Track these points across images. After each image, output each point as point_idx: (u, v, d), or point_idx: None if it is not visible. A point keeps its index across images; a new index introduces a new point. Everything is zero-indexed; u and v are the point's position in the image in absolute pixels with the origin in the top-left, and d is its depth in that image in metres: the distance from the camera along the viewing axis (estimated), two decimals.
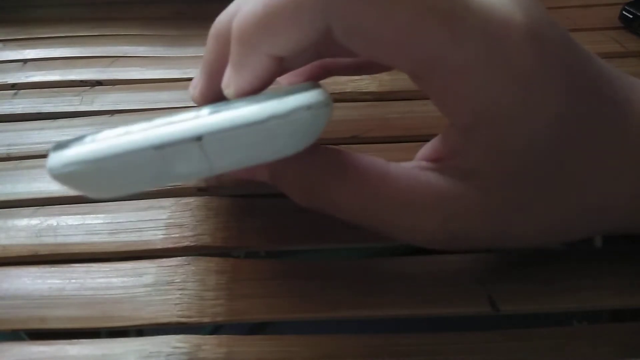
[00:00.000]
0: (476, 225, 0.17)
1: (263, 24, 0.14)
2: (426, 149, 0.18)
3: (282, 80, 0.16)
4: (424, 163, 0.17)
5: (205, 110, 0.12)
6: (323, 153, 0.14)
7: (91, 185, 0.13)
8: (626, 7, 0.35)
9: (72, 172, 0.12)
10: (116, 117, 0.29)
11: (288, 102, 0.13)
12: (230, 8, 0.17)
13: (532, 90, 0.15)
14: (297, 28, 0.14)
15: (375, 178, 0.17)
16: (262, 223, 0.22)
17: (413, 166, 0.17)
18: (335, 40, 0.15)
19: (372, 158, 0.17)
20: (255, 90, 0.16)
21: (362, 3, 0.14)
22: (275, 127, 0.13)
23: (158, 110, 0.29)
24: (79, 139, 0.13)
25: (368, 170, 0.17)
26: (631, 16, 0.34)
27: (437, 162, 0.17)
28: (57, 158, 0.13)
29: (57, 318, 0.19)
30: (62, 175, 0.13)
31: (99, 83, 0.32)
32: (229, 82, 0.16)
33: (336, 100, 0.29)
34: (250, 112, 0.12)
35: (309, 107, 0.13)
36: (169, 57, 0.35)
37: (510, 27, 0.15)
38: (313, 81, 0.16)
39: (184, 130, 0.12)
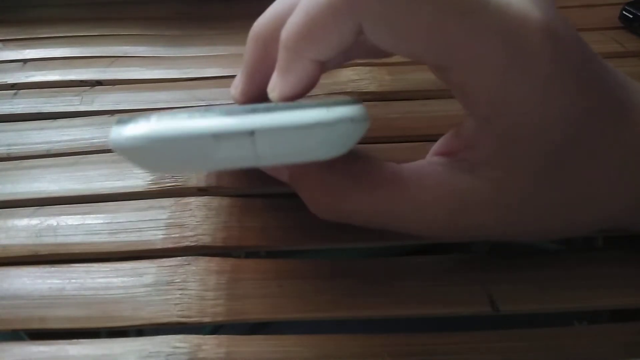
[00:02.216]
0: (486, 216, 0.17)
1: (306, 31, 0.16)
2: (439, 144, 0.19)
3: None
4: (435, 158, 0.18)
5: (261, 107, 0.14)
6: (340, 159, 0.15)
7: (148, 160, 0.14)
8: (626, 7, 0.35)
9: (134, 145, 0.14)
10: (116, 117, 0.29)
11: (335, 112, 0.14)
12: (269, 12, 0.18)
13: (547, 85, 0.16)
14: (334, 31, 0.16)
15: (388, 181, 0.17)
16: (262, 223, 0.22)
17: (425, 163, 0.18)
18: (366, 38, 0.16)
19: (383, 162, 0.18)
20: (297, 96, 0.17)
21: (388, 3, 0.15)
22: (320, 133, 0.14)
23: (158, 111, 0.29)
24: (145, 117, 0.14)
25: (380, 174, 0.17)
26: (631, 16, 0.34)
27: (449, 156, 0.18)
28: (122, 130, 0.14)
29: (57, 318, 0.19)
30: (123, 146, 0.14)
31: (99, 83, 0.32)
32: (275, 86, 0.17)
33: None
34: (301, 116, 0.14)
35: (352, 120, 0.14)
36: (169, 57, 0.35)
37: (526, 24, 0.15)
38: (353, 98, 0.17)
39: (240, 124, 0.14)
